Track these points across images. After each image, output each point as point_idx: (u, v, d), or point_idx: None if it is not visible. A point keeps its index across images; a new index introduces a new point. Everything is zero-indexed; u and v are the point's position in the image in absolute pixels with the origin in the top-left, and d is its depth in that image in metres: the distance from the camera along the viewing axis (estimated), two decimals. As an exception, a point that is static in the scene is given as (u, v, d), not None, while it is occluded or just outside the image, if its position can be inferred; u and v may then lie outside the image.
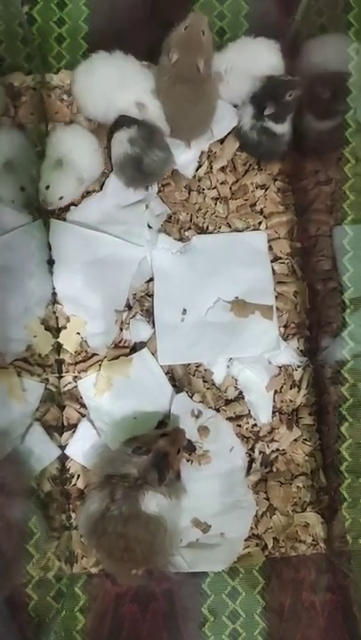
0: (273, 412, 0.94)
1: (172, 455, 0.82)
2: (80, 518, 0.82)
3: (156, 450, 0.80)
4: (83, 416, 0.92)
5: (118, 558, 0.80)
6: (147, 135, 0.92)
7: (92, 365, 0.93)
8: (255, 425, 0.94)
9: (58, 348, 0.94)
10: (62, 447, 0.91)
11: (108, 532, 0.78)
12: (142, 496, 0.78)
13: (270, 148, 0.97)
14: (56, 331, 0.94)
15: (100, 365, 0.93)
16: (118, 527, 0.78)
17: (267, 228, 0.99)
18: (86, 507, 0.80)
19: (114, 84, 0.92)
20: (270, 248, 0.99)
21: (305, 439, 0.94)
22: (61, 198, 0.92)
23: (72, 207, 0.97)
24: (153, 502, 0.78)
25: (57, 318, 0.95)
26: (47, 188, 0.91)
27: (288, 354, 0.95)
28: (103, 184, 0.98)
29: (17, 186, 0.91)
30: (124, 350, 0.94)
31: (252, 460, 0.93)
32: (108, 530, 0.78)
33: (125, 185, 0.96)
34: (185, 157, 0.99)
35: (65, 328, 0.94)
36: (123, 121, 0.94)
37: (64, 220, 0.96)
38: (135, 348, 0.94)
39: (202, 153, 1.00)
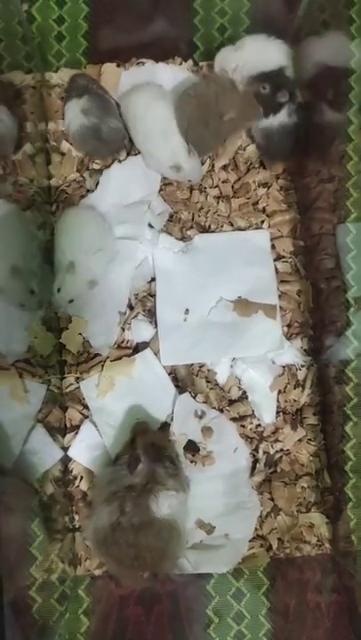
0: (277, 412, 0.93)
1: (157, 440, 0.82)
2: (88, 531, 0.82)
3: (144, 448, 0.80)
4: (85, 417, 0.92)
5: (128, 566, 0.79)
6: (100, 104, 0.93)
7: (94, 366, 0.93)
8: (259, 425, 0.93)
9: (60, 348, 0.94)
10: (65, 449, 0.91)
11: (118, 543, 0.77)
12: (154, 501, 0.78)
13: (281, 142, 0.96)
14: (58, 331, 0.94)
15: (102, 366, 0.92)
16: (130, 538, 0.77)
17: (269, 226, 0.99)
18: (94, 521, 0.79)
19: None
20: (273, 247, 0.98)
21: (309, 439, 0.93)
22: (71, 301, 0.91)
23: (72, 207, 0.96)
24: (165, 504, 0.78)
25: (58, 319, 0.94)
26: (58, 290, 0.90)
27: (292, 353, 0.94)
28: (98, 182, 0.98)
29: (26, 289, 0.88)
30: (127, 351, 0.94)
31: (256, 461, 0.92)
32: (119, 541, 0.77)
33: (90, 155, 0.96)
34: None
35: (67, 329, 0.93)
36: (72, 89, 0.94)
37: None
38: (137, 349, 0.94)
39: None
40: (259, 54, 0.93)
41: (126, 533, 0.77)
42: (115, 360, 0.92)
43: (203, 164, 0.99)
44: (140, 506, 0.77)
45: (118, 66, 1.00)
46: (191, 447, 0.91)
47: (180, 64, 1.01)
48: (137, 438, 0.83)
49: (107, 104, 0.95)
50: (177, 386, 0.93)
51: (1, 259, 0.87)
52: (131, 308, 0.95)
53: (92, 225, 0.92)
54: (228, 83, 0.92)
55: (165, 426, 0.91)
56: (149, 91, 0.95)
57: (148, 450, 0.80)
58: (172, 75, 1.00)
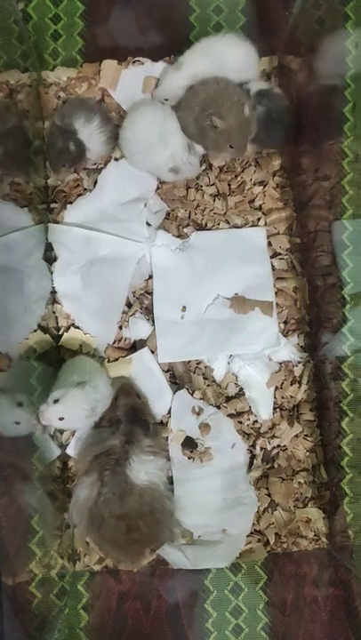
0: (274, 409, 0.94)
1: (137, 404, 0.85)
2: (73, 511, 0.82)
3: (125, 410, 0.83)
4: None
5: (124, 543, 0.81)
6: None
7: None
8: (256, 421, 0.94)
9: (58, 348, 0.94)
10: (63, 446, 0.91)
11: (105, 519, 0.78)
12: (129, 468, 0.79)
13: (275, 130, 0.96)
14: (56, 330, 0.94)
15: (100, 365, 0.93)
16: (115, 509, 0.78)
17: (266, 224, 0.99)
18: (76, 496, 0.81)
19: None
20: (269, 244, 0.99)
21: (306, 435, 0.94)
22: (61, 419, 0.80)
23: (68, 205, 0.97)
24: (142, 471, 0.80)
25: (57, 318, 0.95)
26: (56, 401, 0.80)
27: (288, 350, 0.95)
28: (96, 181, 0.98)
29: (14, 403, 0.81)
30: (125, 349, 0.94)
31: (253, 457, 0.93)
32: (105, 516, 0.78)
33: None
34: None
35: (67, 331, 0.94)
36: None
37: (62, 218, 0.96)
38: (135, 346, 0.94)
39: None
40: (210, 63, 0.92)
41: (110, 504, 0.78)
42: (112, 359, 0.93)
43: (201, 165, 1.00)
44: (118, 473, 0.79)
45: (119, 63, 1.00)
46: (189, 443, 0.91)
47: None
48: (120, 398, 0.85)
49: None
50: (174, 383, 0.94)
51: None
52: (128, 305, 0.96)
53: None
54: (238, 99, 0.91)
55: (161, 425, 0.92)
56: (142, 102, 0.96)
57: (129, 412, 0.83)
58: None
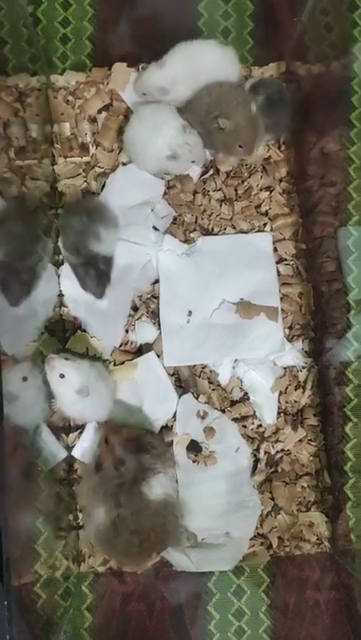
0: (278, 413, 0.94)
1: (131, 435, 0.85)
2: (90, 534, 0.84)
3: (123, 446, 0.82)
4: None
5: (136, 553, 0.82)
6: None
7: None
8: (260, 426, 0.94)
9: (65, 349, 0.95)
10: (69, 448, 0.92)
11: (121, 535, 0.79)
12: (147, 486, 0.80)
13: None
14: (63, 333, 0.95)
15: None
16: (131, 526, 0.79)
17: (272, 229, 0.99)
18: (94, 523, 0.82)
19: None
20: (275, 249, 0.99)
21: (310, 439, 0.94)
22: (62, 376, 0.85)
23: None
24: (157, 485, 0.81)
25: (63, 321, 0.95)
26: (66, 359, 0.86)
27: (293, 355, 0.95)
28: (104, 185, 0.99)
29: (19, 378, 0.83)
30: (131, 352, 0.95)
31: (257, 461, 0.93)
32: (122, 534, 0.79)
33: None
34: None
35: (74, 335, 0.95)
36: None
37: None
38: (141, 350, 0.95)
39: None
40: (191, 66, 0.92)
41: (127, 523, 0.79)
42: (118, 363, 0.94)
43: (206, 169, 1.00)
44: (134, 494, 0.80)
45: (129, 66, 1.01)
46: (194, 447, 0.92)
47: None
48: (109, 439, 0.84)
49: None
50: (180, 386, 0.94)
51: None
52: (135, 309, 0.96)
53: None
54: (243, 99, 0.91)
55: (165, 429, 0.93)
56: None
57: (128, 446, 0.83)
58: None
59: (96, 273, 0.90)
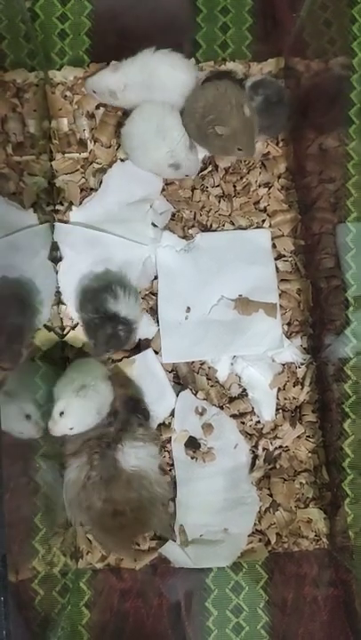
0: (276, 410, 0.94)
1: (135, 395, 0.86)
2: (64, 492, 0.83)
3: (123, 400, 0.84)
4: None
5: (112, 527, 0.81)
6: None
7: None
8: (259, 422, 0.94)
9: (62, 345, 0.95)
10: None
11: (93, 501, 0.79)
12: (120, 453, 0.80)
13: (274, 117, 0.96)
14: (60, 329, 0.95)
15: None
16: (102, 492, 0.79)
17: (270, 225, 0.99)
18: (67, 477, 0.81)
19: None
20: (274, 246, 0.99)
21: (308, 436, 0.94)
22: (71, 429, 0.79)
23: (74, 207, 0.97)
24: (132, 456, 0.80)
25: (61, 319, 0.95)
26: (61, 414, 0.78)
27: (291, 351, 0.95)
28: (102, 181, 0.98)
29: (21, 415, 0.78)
30: (129, 349, 0.94)
31: (255, 457, 0.93)
32: (93, 498, 0.79)
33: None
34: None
35: (72, 329, 0.95)
36: None
37: (68, 219, 0.97)
38: (140, 346, 0.95)
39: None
40: (145, 76, 0.92)
41: (98, 488, 0.79)
42: (116, 360, 0.93)
43: (204, 165, 1.00)
44: (108, 457, 0.79)
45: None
46: (192, 444, 0.92)
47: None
48: (115, 389, 0.84)
49: None
50: (178, 383, 0.94)
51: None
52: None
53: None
54: (237, 101, 0.91)
55: (163, 426, 0.93)
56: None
57: (128, 402, 0.84)
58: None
59: (112, 332, 0.87)
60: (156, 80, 0.92)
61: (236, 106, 0.90)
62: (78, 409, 0.78)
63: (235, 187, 1.00)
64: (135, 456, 0.80)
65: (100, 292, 0.89)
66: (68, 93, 1.01)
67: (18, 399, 0.78)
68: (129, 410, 0.84)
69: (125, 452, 0.80)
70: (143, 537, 0.90)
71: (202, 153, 0.99)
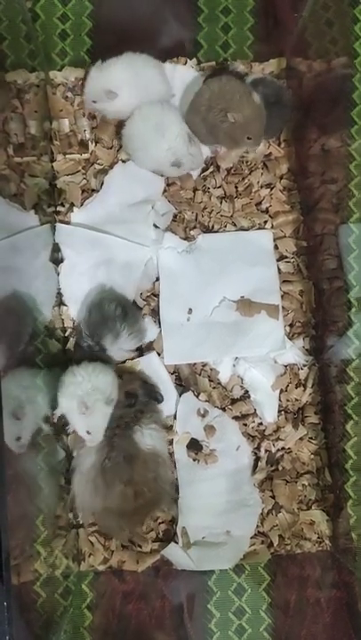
0: (279, 411, 0.94)
1: (148, 380, 0.89)
2: (75, 481, 0.84)
3: (141, 384, 0.87)
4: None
5: (131, 511, 0.82)
6: None
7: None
8: (261, 424, 0.94)
9: (64, 346, 0.94)
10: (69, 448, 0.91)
11: (115, 486, 0.79)
12: (138, 432, 0.82)
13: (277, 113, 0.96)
14: (62, 331, 0.95)
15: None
16: (124, 473, 0.80)
17: (272, 226, 0.99)
18: (80, 464, 0.82)
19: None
20: (276, 247, 0.99)
21: (310, 438, 0.94)
22: (89, 433, 0.83)
23: (75, 208, 0.97)
24: (147, 435, 0.83)
25: (63, 321, 0.95)
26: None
27: (294, 353, 0.95)
28: (103, 182, 0.98)
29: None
30: (132, 350, 0.94)
31: (258, 459, 0.93)
32: (115, 482, 0.80)
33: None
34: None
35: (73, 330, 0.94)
36: None
37: (69, 221, 0.96)
38: (142, 348, 0.95)
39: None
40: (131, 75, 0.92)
41: (120, 469, 0.80)
42: (120, 362, 0.93)
43: (206, 166, 1.00)
44: (127, 437, 0.82)
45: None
46: (194, 445, 0.92)
47: (185, 63, 1.01)
48: (124, 376, 0.87)
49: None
50: (180, 385, 0.94)
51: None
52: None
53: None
54: (244, 90, 0.91)
55: (166, 428, 0.92)
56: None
57: (146, 386, 0.88)
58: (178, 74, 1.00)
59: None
60: (141, 81, 0.93)
61: (245, 94, 0.90)
62: (89, 422, 0.82)
63: (236, 187, 1.00)
64: (150, 435, 0.83)
65: (99, 326, 0.89)
66: (69, 94, 1.01)
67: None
68: (147, 393, 0.87)
69: (143, 432, 0.83)
70: (149, 526, 0.90)
71: (203, 153, 0.98)
